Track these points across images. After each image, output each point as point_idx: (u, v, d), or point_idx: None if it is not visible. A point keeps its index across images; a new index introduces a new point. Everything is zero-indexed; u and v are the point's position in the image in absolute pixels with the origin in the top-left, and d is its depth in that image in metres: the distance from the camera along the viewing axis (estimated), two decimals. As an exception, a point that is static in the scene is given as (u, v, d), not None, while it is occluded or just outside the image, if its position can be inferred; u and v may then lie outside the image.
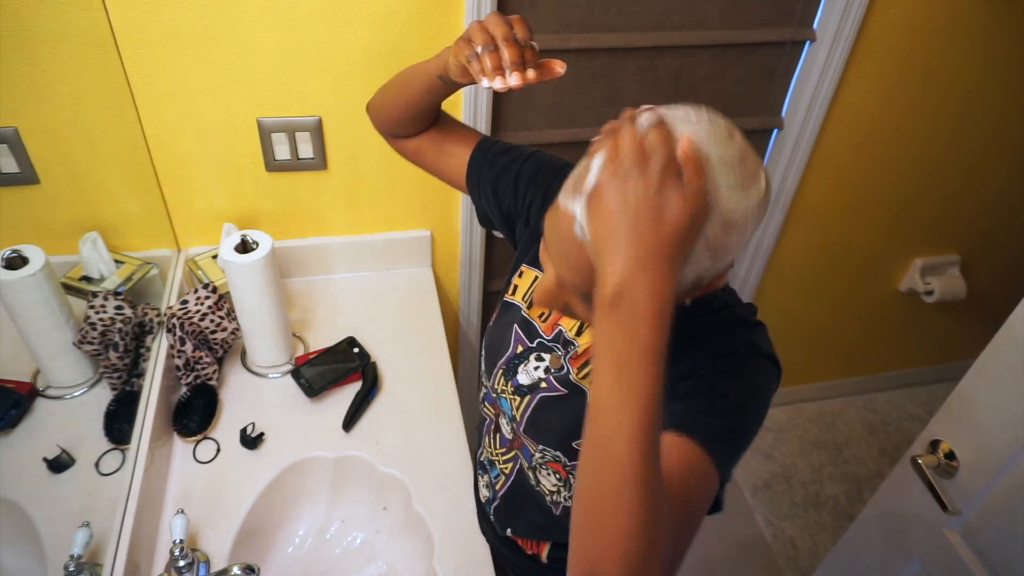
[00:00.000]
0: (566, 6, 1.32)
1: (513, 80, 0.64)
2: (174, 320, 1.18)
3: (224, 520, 1.07)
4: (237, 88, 1.24)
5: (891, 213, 1.86)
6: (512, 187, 0.87)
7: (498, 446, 0.96)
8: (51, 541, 0.85)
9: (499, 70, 0.64)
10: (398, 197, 1.46)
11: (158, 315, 1.24)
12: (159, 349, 1.21)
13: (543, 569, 1.00)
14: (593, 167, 0.53)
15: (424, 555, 1.09)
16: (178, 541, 0.95)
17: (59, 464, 0.90)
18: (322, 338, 1.37)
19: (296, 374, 1.26)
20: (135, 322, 1.13)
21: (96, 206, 1.16)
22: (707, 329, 0.68)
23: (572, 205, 0.56)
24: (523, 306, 0.88)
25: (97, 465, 0.98)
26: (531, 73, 0.64)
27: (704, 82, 1.50)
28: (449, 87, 0.79)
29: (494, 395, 0.91)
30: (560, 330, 0.82)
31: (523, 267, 0.89)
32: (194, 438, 1.18)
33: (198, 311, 1.22)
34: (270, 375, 1.30)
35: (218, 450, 1.17)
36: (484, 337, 0.95)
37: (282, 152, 1.32)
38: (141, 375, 1.14)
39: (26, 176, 0.94)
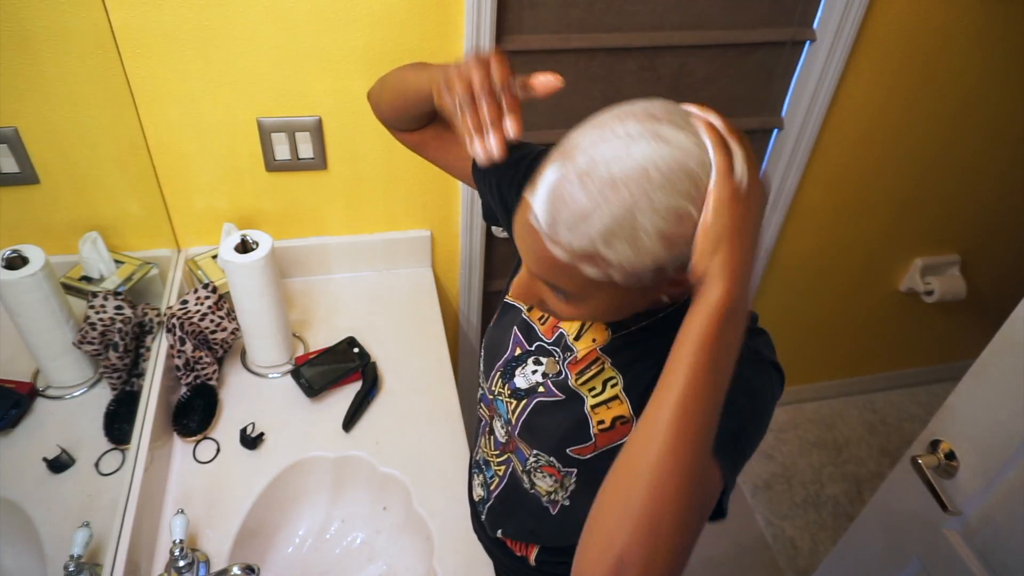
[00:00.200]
0: (566, 6, 1.32)
1: (494, 148, 0.62)
2: (174, 320, 1.18)
3: (224, 520, 1.07)
4: (237, 88, 1.24)
5: (891, 213, 1.86)
6: (517, 185, 0.87)
7: (492, 448, 0.96)
8: (51, 541, 0.85)
9: (479, 129, 0.63)
10: (398, 197, 1.46)
11: (158, 315, 1.24)
12: (159, 349, 1.21)
13: (531, 571, 1.00)
14: (547, 167, 0.57)
15: (424, 555, 1.09)
16: (178, 541, 0.95)
17: (59, 464, 0.90)
18: (322, 338, 1.37)
19: (296, 374, 1.26)
20: (135, 322, 1.13)
21: (96, 206, 1.16)
22: None
23: (530, 196, 0.58)
24: (523, 308, 0.88)
25: (97, 465, 0.98)
26: (511, 130, 0.62)
27: (704, 82, 1.50)
28: None
29: (491, 397, 0.90)
30: (561, 332, 0.82)
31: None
32: (194, 438, 1.18)
33: (198, 311, 1.22)
34: (270, 375, 1.30)
35: (218, 450, 1.17)
36: (484, 338, 0.95)
37: (282, 152, 1.32)
38: (141, 375, 1.14)
39: (26, 176, 0.94)
